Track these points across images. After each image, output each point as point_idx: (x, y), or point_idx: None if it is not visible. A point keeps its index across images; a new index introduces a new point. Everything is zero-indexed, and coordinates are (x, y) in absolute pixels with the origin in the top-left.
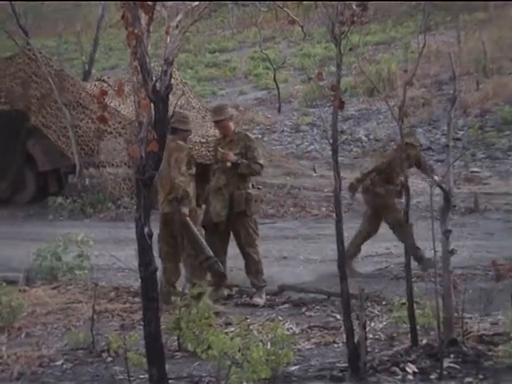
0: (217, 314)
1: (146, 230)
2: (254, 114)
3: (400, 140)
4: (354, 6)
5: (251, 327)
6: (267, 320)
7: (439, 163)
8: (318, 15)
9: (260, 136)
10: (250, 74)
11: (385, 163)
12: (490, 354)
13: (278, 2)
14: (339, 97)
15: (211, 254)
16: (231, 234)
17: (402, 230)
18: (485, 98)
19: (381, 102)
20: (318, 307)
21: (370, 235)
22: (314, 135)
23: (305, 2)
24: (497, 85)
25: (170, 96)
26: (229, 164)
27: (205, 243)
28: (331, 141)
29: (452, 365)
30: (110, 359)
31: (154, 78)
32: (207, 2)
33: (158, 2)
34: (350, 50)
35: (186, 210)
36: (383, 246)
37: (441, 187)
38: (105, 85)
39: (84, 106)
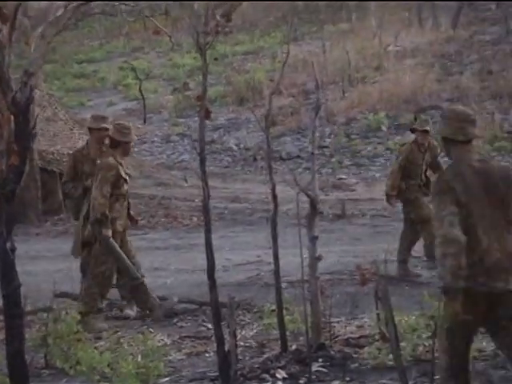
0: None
1: (8, 245)
2: None
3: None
4: (218, 17)
5: (122, 340)
6: (138, 332)
7: (307, 171)
8: (185, 25)
9: None
10: (119, 84)
11: (403, 159)
12: (356, 356)
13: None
14: (205, 107)
15: (137, 275)
16: None
17: (426, 226)
18: (350, 106)
19: (250, 111)
20: (190, 317)
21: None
22: (184, 145)
23: (173, 13)
24: (361, 93)
25: (37, 108)
26: None
27: (130, 264)
28: (199, 151)
29: (320, 368)
30: None
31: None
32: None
33: (18, 12)
34: (216, 59)
35: (107, 232)
36: (254, 254)
37: (307, 194)
38: None
39: None
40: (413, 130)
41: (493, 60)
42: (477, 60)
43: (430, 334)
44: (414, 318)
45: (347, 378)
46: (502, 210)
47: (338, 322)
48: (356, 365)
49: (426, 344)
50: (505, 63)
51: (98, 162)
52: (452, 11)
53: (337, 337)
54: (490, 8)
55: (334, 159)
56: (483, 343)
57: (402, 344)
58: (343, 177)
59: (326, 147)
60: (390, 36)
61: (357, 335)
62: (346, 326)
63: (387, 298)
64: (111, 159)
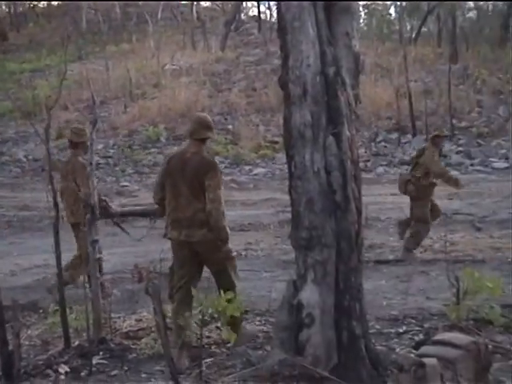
0: None
1: None
2: None
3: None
4: None
5: None
6: None
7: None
8: None
9: None
10: None
11: (414, 157)
12: (134, 347)
13: None
14: None
15: None
16: None
17: (419, 227)
18: (132, 119)
19: (38, 125)
20: None
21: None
22: None
23: None
24: (142, 108)
25: None
26: None
27: None
28: None
29: (101, 361)
30: None
31: None
32: None
33: None
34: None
35: None
36: (41, 258)
37: (86, 201)
38: None
39: None
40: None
41: (256, 78)
42: (243, 78)
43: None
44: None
45: (125, 368)
46: (191, 185)
47: (118, 318)
48: (134, 355)
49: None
50: (266, 81)
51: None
52: (220, 35)
53: (117, 331)
54: (253, 33)
55: (117, 168)
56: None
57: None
58: (126, 184)
59: (110, 157)
60: (167, 56)
61: (136, 328)
62: (125, 321)
63: (157, 292)
64: (80, 158)
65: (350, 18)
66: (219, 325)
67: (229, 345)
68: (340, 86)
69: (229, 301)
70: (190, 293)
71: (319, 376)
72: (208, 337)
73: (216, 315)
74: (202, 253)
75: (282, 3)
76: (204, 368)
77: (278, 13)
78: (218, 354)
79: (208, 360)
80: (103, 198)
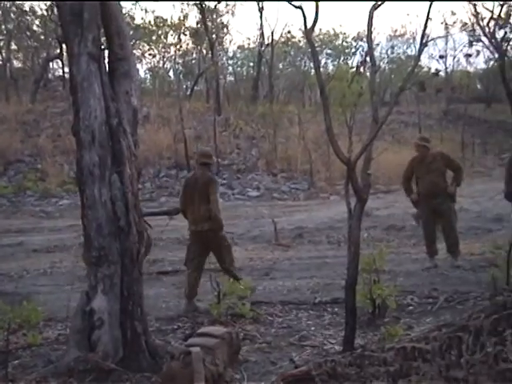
0: None
1: None
2: None
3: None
4: None
5: None
6: None
7: None
8: None
9: None
10: None
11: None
12: None
13: None
14: None
15: None
16: None
17: None
18: None
19: None
20: None
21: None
22: None
23: None
24: None
25: None
26: None
27: None
28: None
29: None
30: None
31: None
32: None
33: None
34: None
35: None
36: None
37: None
38: None
39: None
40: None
41: (61, 126)
42: (50, 126)
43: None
44: None
45: None
46: (201, 196)
47: None
48: None
49: None
50: (69, 129)
51: None
52: (31, 91)
53: None
54: (59, 90)
55: None
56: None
57: None
58: None
59: None
60: None
61: None
62: None
63: None
64: None
65: (129, 80)
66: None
67: (33, 348)
68: (122, 134)
69: (30, 310)
70: (200, 263)
71: (108, 368)
72: (16, 342)
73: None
74: (207, 237)
75: (74, 67)
76: (10, 369)
77: (71, 74)
78: (24, 357)
79: (15, 362)
80: None
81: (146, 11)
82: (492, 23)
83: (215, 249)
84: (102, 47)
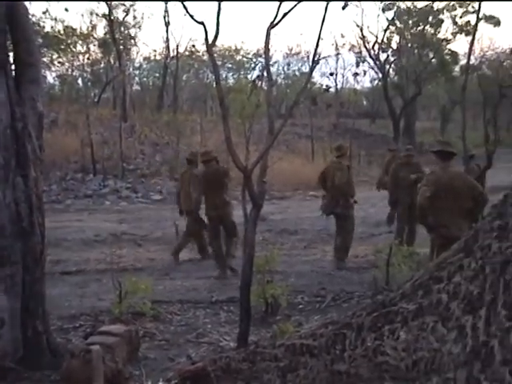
0: None
1: None
2: None
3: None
4: None
5: None
6: None
7: None
8: None
9: None
10: None
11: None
12: None
13: None
14: None
15: None
16: None
17: None
18: None
19: None
20: None
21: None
22: None
23: None
24: None
25: None
26: None
27: None
28: None
29: None
30: None
31: None
32: None
33: None
34: None
35: None
36: None
37: None
38: None
39: None
40: None
41: None
42: None
43: None
44: None
45: None
46: (216, 184)
47: None
48: None
49: None
50: None
51: None
52: None
53: None
54: None
55: None
56: None
57: None
58: None
59: None
60: None
61: None
62: None
63: None
64: None
65: (36, 86)
66: None
67: None
68: (27, 138)
69: None
70: (218, 235)
71: (8, 367)
72: None
73: None
74: (221, 220)
75: None
76: None
77: None
78: None
79: None
80: None
81: (56, 20)
82: (376, 46)
83: (225, 226)
84: (8, 53)
